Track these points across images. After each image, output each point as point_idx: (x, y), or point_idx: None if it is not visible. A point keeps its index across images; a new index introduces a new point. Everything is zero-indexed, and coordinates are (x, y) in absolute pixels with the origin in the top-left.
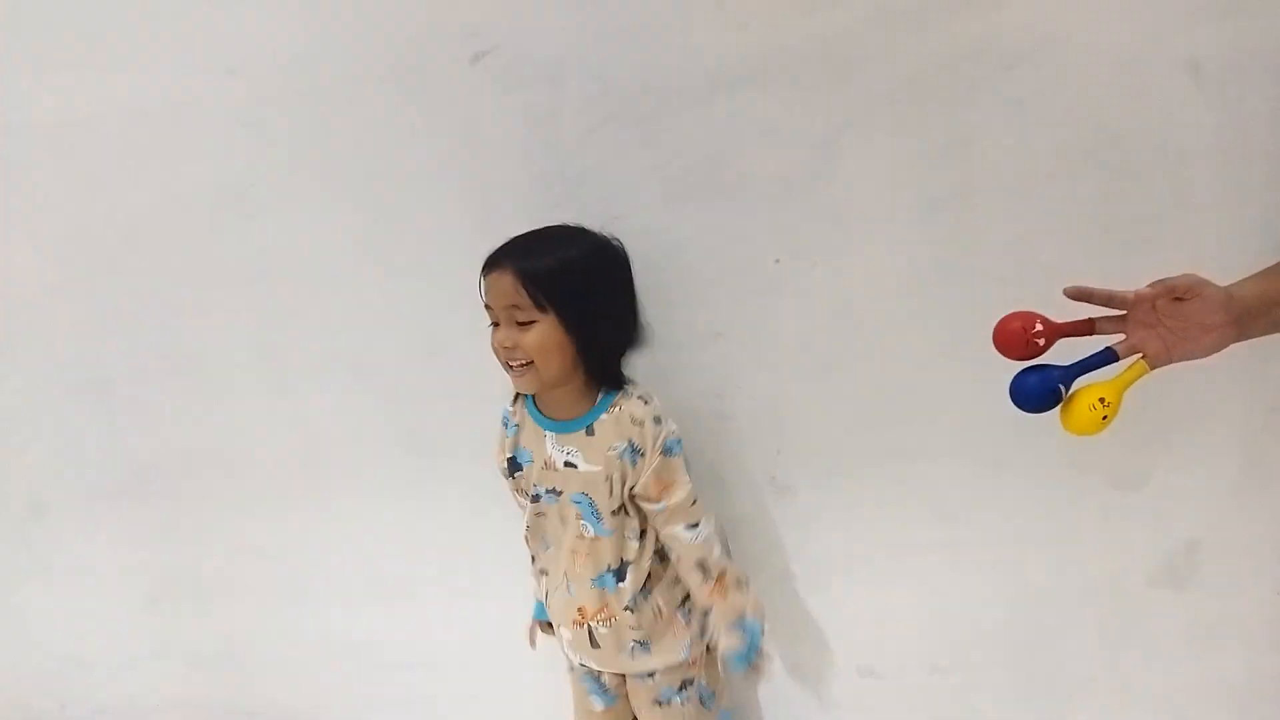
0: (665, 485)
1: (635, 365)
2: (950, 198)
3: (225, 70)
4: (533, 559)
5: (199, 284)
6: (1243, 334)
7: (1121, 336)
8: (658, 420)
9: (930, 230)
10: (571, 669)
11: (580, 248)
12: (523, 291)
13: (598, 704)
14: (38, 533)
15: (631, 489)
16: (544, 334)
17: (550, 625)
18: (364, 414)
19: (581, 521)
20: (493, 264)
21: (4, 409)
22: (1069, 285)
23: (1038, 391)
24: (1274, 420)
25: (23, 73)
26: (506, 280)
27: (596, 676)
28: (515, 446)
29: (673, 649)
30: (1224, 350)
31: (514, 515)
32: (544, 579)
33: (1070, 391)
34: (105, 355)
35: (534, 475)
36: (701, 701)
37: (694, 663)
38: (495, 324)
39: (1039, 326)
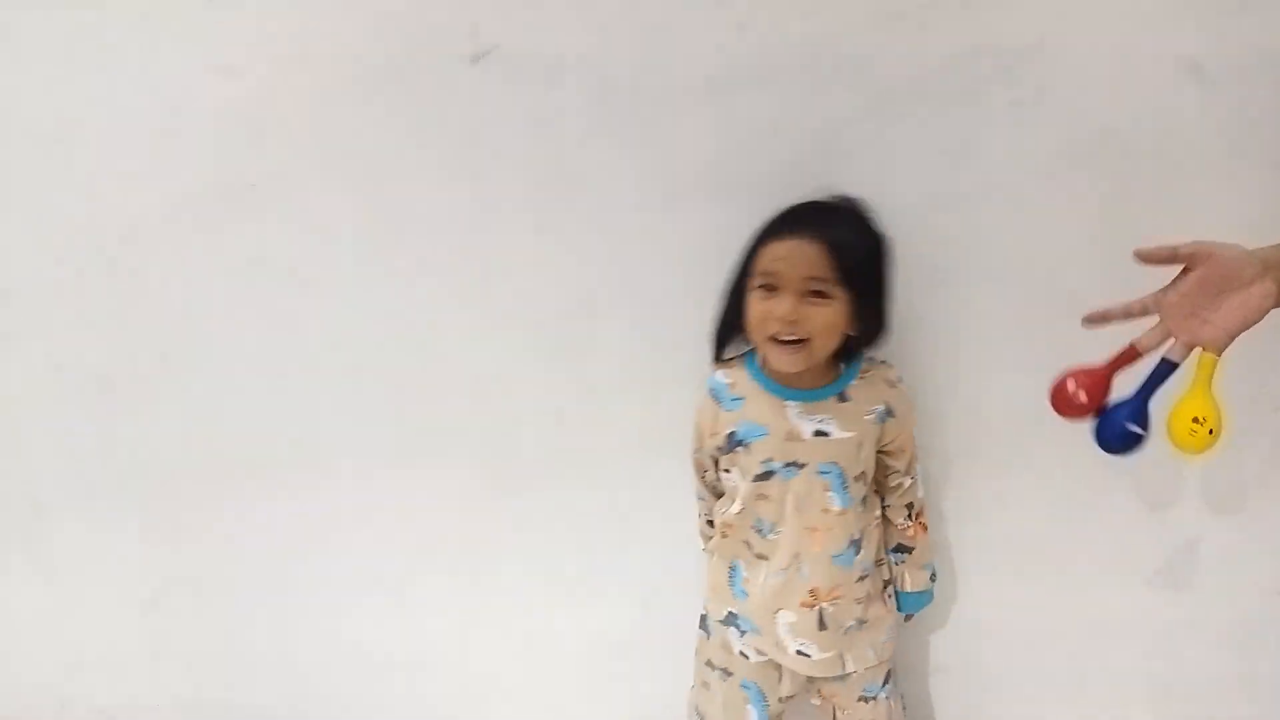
0: (910, 440)
1: (633, 365)
2: (950, 198)
3: (225, 70)
4: (748, 566)
5: (199, 284)
6: None
7: (1170, 341)
8: (901, 379)
9: (930, 230)
10: (728, 675)
11: (878, 228)
12: (832, 265)
13: (753, 714)
14: (38, 533)
15: (884, 448)
16: (836, 313)
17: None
18: (364, 414)
19: (829, 494)
20: (794, 229)
21: (4, 409)
22: (1085, 314)
23: (1115, 439)
24: (1275, 420)
25: (23, 73)
26: (813, 250)
27: (759, 685)
28: (737, 421)
29: (883, 629)
30: (1225, 350)
31: (515, 515)
32: (758, 565)
33: (1168, 415)
34: (105, 355)
35: (768, 449)
36: (901, 698)
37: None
38: (767, 289)
39: (1072, 387)
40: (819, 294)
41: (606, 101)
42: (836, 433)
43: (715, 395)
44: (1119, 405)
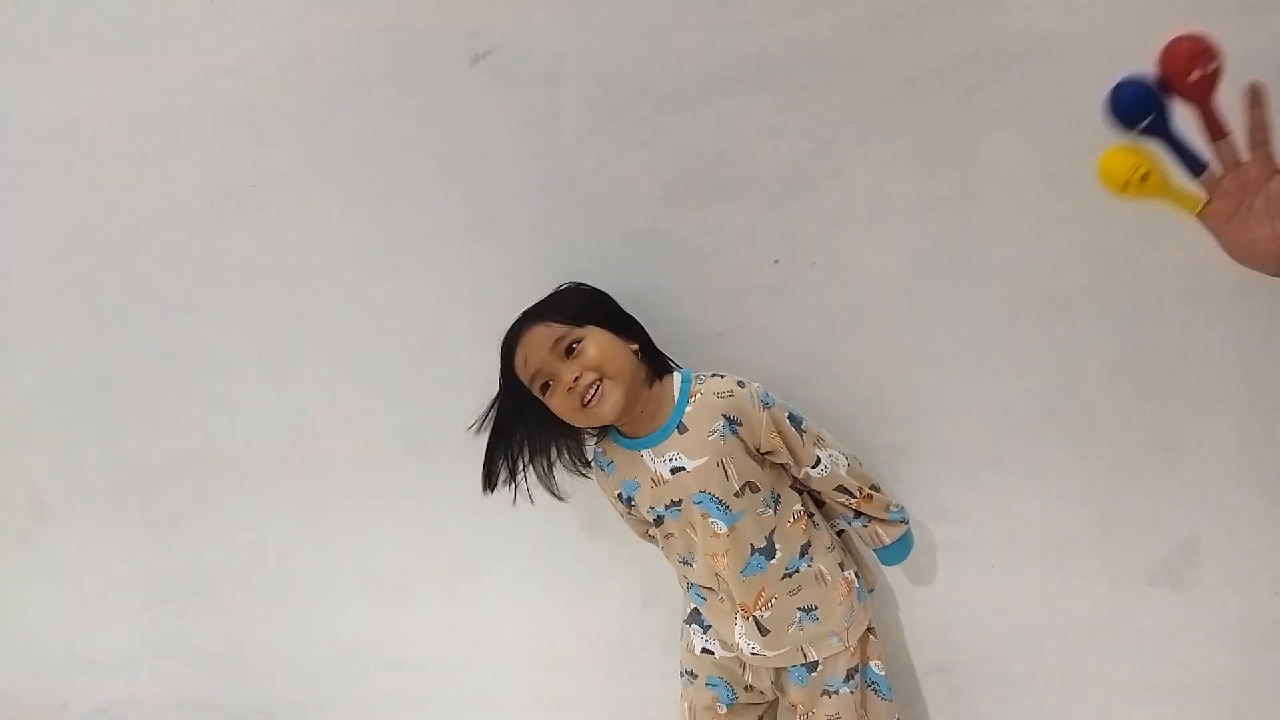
0: (785, 434)
1: None
2: (950, 198)
3: (225, 70)
4: (701, 589)
5: (199, 284)
6: None
7: (1220, 171)
8: (741, 384)
9: (930, 230)
10: (694, 678)
11: (571, 288)
12: (558, 323)
13: (723, 708)
14: (38, 533)
15: (760, 452)
16: (600, 339)
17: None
18: (364, 414)
19: (710, 520)
20: (515, 339)
21: (4, 409)
22: (1254, 83)
23: (1131, 100)
24: (1274, 420)
25: (23, 73)
26: (538, 330)
27: (725, 680)
28: (619, 482)
29: (840, 614)
30: (1222, 348)
31: (515, 514)
32: (712, 594)
33: (1139, 139)
34: (105, 355)
35: (647, 499)
36: (877, 690)
37: (852, 649)
38: (545, 386)
39: (1210, 66)
40: (572, 345)
41: (606, 101)
42: (689, 464)
43: (599, 465)
44: (1167, 111)
